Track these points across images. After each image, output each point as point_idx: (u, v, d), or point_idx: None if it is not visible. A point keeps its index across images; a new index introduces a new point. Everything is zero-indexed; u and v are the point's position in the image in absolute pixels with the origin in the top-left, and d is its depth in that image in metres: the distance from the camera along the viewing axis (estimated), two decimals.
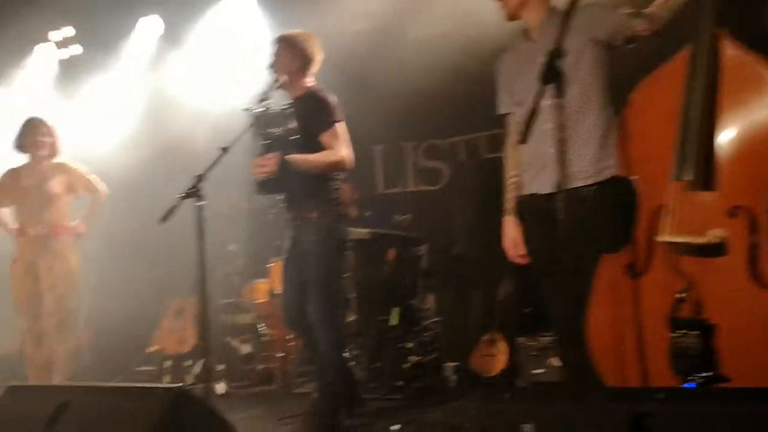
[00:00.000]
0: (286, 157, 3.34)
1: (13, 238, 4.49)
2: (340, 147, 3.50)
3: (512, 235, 2.89)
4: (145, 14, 6.46)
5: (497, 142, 5.47)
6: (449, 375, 4.78)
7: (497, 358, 4.55)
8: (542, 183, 2.76)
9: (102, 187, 4.67)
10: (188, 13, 6.22)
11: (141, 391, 2.19)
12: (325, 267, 3.55)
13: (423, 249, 5.71)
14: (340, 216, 3.64)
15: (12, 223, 4.50)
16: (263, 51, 5.63)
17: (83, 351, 6.61)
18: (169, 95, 6.32)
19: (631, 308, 2.45)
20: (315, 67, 3.66)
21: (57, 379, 4.41)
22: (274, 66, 3.59)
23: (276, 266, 5.71)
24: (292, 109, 3.51)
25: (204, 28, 6.24)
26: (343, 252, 3.72)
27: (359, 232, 4.88)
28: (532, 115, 2.23)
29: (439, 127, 5.80)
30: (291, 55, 3.58)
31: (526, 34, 2.89)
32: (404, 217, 5.85)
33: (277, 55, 3.61)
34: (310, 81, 3.67)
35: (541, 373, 4.39)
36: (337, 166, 3.55)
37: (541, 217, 2.76)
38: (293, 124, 3.44)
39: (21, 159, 4.58)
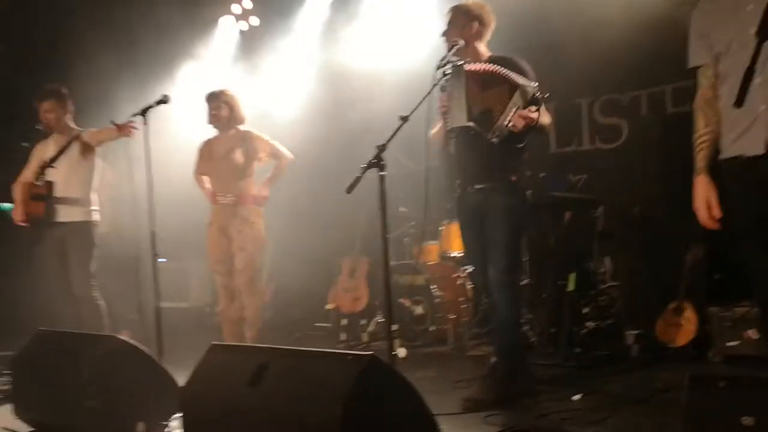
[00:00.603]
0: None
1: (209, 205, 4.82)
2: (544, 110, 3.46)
3: (705, 196, 2.64)
4: None
5: (684, 95, 5.06)
6: (630, 343, 4.55)
7: (685, 327, 4.27)
8: (749, 144, 2.49)
9: (286, 152, 4.87)
10: None
11: (336, 356, 2.27)
12: (515, 229, 3.57)
13: (599, 211, 5.45)
14: (528, 179, 3.65)
15: (209, 188, 4.82)
16: (436, 15, 5.64)
17: (266, 306, 7.09)
18: (344, 62, 6.42)
19: None
20: (489, 34, 3.63)
21: (248, 331, 4.74)
22: (449, 33, 3.58)
23: (447, 228, 5.73)
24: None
25: None
26: (527, 215, 3.70)
27: (533, 194, 4.74)
28: (749, 73, 1.99)
29: (617, 81, 5.45)
30: (465, 22, 3.58)
31: None
32: (579, 177, 5.61)
33: (452, 22, 3.60)
34: (485, 49, 3.65)
35: (735, 345, 4.07)
36: (546, 128, 3.56)
37: (747, 180, 2.50)
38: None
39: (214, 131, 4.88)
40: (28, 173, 4.83)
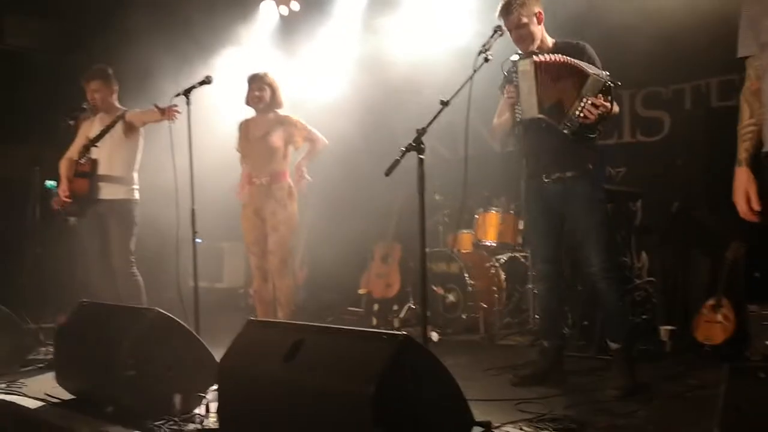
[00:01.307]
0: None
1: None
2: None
3: (745, 188, 2.58)
4: None
5: (729, 89, 4.96)
6: (665, 339, 4.49)
7: (722, 325, 4.21)
8: None
9: (321, 137, 4.90)
10: None
11: (371, 335, 2.29)
12: (603, 217, 3.56)
13: (638, 205, 5.39)
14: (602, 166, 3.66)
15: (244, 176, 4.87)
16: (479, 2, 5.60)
17: (299, 288, 7.17)
18: (382, 49, 6.41)
19: None
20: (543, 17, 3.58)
21: (281, 312, 4.79)
22: (508, 22, 3.52)
23: (482, 217, 5.72)
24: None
25: None
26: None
27: None
28: None
29: (660, 73, 5.36)
30: (531, 12, 3.51)
31: None
32: (619, 170, 5.55)
33: (519, 21, 3.51)
34: (546, 35, 3.61)
35: None
36: (614, 117, 3.56)
37: None
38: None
39: (251, 112, 4.92)
40: (73, 150, 4.95)
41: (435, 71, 5.38)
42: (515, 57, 3.51)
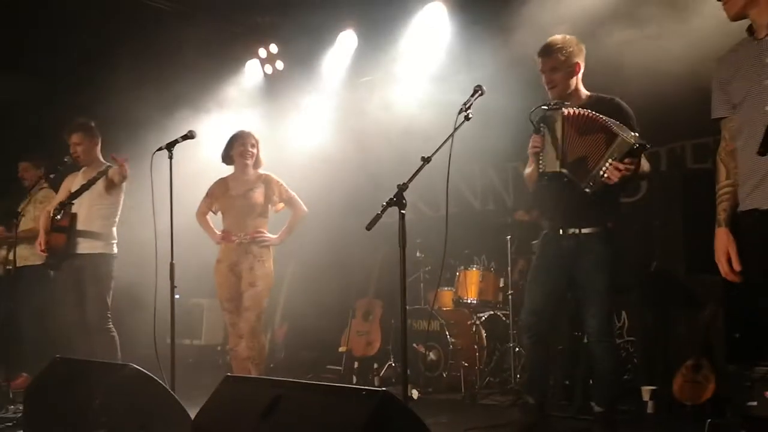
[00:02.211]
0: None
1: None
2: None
3: (725, 248, 2.63)
4: (343, 30, 6.73)
5: (704, 151, 5.08)
6: (647, 399, 4.47)
7: (703, 385, 4.20)
8: (763, 196, 2.49)
9: (301, 204, 4.91)
10: (382, 27, 6.39)
11: (350, 392, 2.25)
12: (612, 278, 3.46)
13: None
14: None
15: (216, 230, 4.83)
16: (458, 62, 5.74)
17: (279, 346, 7.07)
18: (365, 108, 6.53)
19: None
20: (581, 69, 3.57)
21: (254, 371, 4.71)
22: (549, 79, 3.54)
23: (463, 275, 5.73)
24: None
25: (398, 40, 6.38)
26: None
27: None
28: None
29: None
30: (561, 62, 3.49)
31: (751, 31, 2.64)
32: None
33: (556, 65, 3.52)
34: (582, 87, 3.59)
35: (755, 406, 3.98)
36: (645, 175, 3.50)
37: (763, 233, 2.50)
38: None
39: (227, 169, 4.93)
40: (53, 203, 4.94)
41: (418, 128, 5.47)
42: (545, 107, 3.48)
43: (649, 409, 4.42)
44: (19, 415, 3.97)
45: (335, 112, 6.91)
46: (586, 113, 3.35)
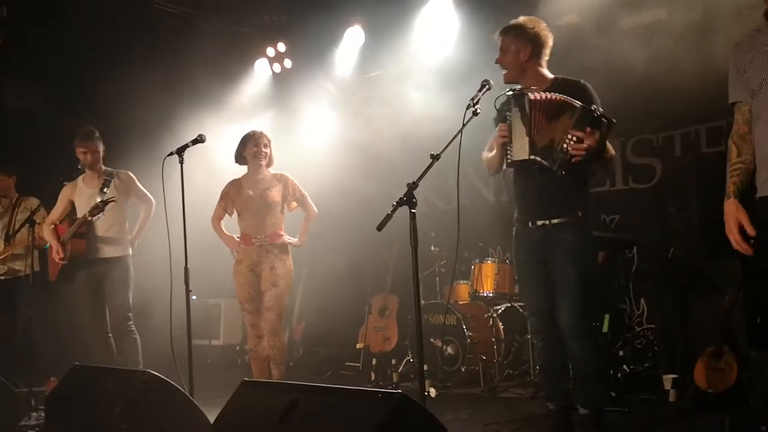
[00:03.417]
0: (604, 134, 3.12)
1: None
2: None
3: (735, 218, 2.57)
4: (350, 26, 6.70)
5: (718, 135, 5.02)
6: (668, 388, 4.43)
7: (725, 372, 4.15)
8: None
9: (313, 208, 4.90)
10: (389, 21, 6.35)
11: (366, 395, 2.25)
12: (582, 271, 3.31)
13: (633, 251, 5.40)
14: (592, 213, 3.44)
15: (229, 234, 4.83)
16: (464, 55, 5.69)
17: (296, 344, 7.10)
18: (377, 104, 6.50)
19: None
20: (547, 52, 3.44)
21: (275, 371, 4.72)
22: (501, 60, 3.44)
23: (478, 268, 5.70)
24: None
25: (405, 35, 6.33)
26: (596, 253, 3.46)
27: None
28: None
29: (650, 121, 5.43)
30: (519, 46, 3.38)
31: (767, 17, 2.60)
32: (612, 217, 5.57)
33: (504, 47, 3.42)
34: (545, 69, 3.46)
35: None
36: (612, 158, 3.37)
37: None
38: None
39: (240, 170, 4.93)
40: (54, 215, 5.03)
41: (428, 123, 5.44)
42: (510, 92, 3.36)
43: (671, 398, 4.37)
44: (41, 422, 4.00)
45: (344, 108, 6.89)
46: (553, 96, 3.24)
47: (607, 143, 3.29)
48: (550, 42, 3.46)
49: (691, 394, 4.27)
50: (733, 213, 2.59)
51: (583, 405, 3.39)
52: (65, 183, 5.18)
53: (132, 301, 4.93)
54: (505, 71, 3.46)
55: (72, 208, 5.05)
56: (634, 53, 4.93)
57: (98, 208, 4.73)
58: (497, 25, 3.53)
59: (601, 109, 3.20)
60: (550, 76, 3.46)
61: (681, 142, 5.35)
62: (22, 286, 5.53)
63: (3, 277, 5.69)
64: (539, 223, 3.39)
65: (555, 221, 3.35)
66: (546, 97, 3.26)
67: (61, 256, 4.82)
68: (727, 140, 2.74)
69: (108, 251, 4.89)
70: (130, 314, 4.87)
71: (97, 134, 5.01)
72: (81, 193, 4.98)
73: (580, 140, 3.13)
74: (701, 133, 5.21)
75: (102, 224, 4.87)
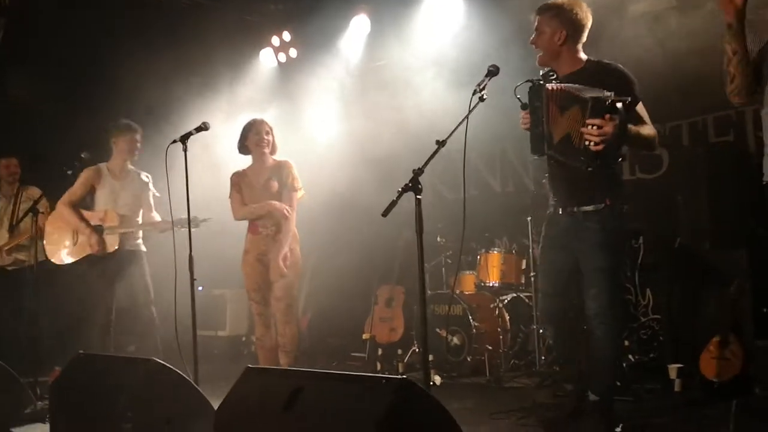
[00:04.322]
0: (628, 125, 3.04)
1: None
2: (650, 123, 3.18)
3: None
4: (355, 14, 6.67)
5: (726, 125, 4.98)
6: (673, 378, 4.41)
7: (731, 362, 4.12)
8: None
9: (292, 202, 4.70)
10: (395, 10, 6.32)
11: (370, 381, 2.23)
12: (613, 258, 3.27)
13: (640, 241, 5.36)
14: (626, 203, 3.31)
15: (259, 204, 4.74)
16: (472, 41, 5.65)
17: (303, 334, 7.10)
18: (383, 92, 6.47)
19: None
20: (584, 35, 3.34)
21: (285, 359, 4.71)
22: (536, 41, 3.35)
23: (484, 258, 5.69)
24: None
25: (411, 23, 6.30)
26: (629, 242, 3.37)
27: None
28: None
29: (657, 110, 5.35)
30: (555, 28, 3.28)
31: None
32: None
33: (539, 29, 3.33)
34: (581, 52, 3.36)
35: None
36: (655, 141, 3.24)
37: None
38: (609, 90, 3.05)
39: (245, 160, 4.90)
40: (74, 197, 5.02)
41: (434, 110, 5.41)
42: (530, 81, 3.31)
43: (677, 387, 4.36)
44: (46, 411, 4.01)
45: (350, 97, 6.86)
46: (565, 87, 3.17)
47: (637, 127, 3.17)
48: (588, 24, 3.35)
49: (697, 383, 4.26)
50: None
51: (594, 391, 3.39)
52: (69, 172, 5.17)
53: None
54: (539, 53, 3.39)
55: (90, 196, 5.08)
56: (642, 41, 4.88)
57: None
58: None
59: (610, 93, 3.04)
60: (584, 58, 3.36)
61: (689, 132, 5.31)
62: (27, 276, 5.53)
63: (10, 268, 5.71)
64: (568, 210, 3.37)
65: (583, 209, 3.30)
66: (561, 88, 3.20)
67: (97, 248, 4.86)
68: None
69: (134, 244, 5.02)
70: (152, 297, 4.98)
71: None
72: (105, 184, 5.01)
73: (599, 127, 3.01)
74: (709, 123, 5.17)
75: (124, 217, 4.97)
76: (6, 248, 5.68)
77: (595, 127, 3.01)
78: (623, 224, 3.33)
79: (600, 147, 3.02)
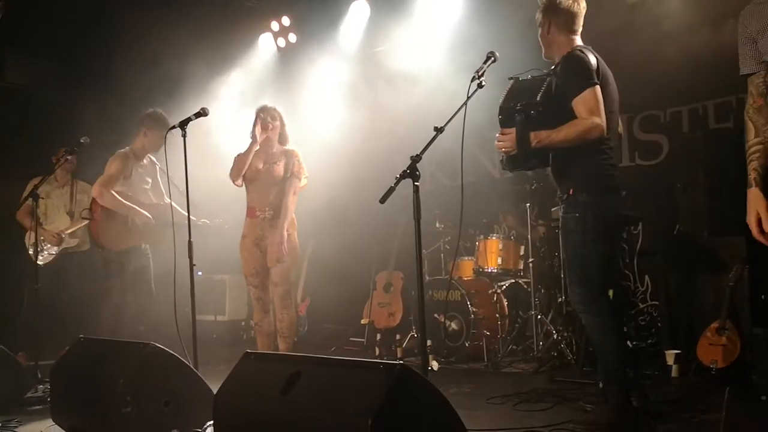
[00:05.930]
0: (532, 133, 3.20)
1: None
2: (591, 113, 3.16)
3: (755, 209, 2.52)
4: (355, 0, 6.63)
5: (725, 111, 4.96)
6: (671, 363, 4.44)
7: (728, 348, 4.15)
8: None
9: (291, 193, 4.71)
10: None
11: (368, 366, 2.25)
12: (578, 247, 3.28)
13: (639, 228, 5.38)
14: (602, 191, 3.30)
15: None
16: (472, 28, 5.63)
17: (301, 320, 7.13)
18: (379, 79, 6.45)
19: None
20: (577, 22, 3.40)
21: (283, 344, 4.73)
22: (541, 35, 3.44)
23: (483, 244, 5.69)
24: (546, 78, 3.29)
25: (411, 8, 6.27)
26: (608, 231, 3.30)
27: None
28: None
29: (657, 97, 5.37)
30: (543, 21, 3.40)
31: None
32: None
33: (538, 24, 3.43)
34: (575, 40, 3.41)
35: None
36: (587, 135, 3.19)
37: None
38: (539, 95, 3.21)
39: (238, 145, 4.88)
40: (115, 182, 4.91)
41: (434, 96, 5.39)
42: (511, 79, 3.45)
43: (674, 373, 4.39)
44: (47, 394, 4.04)
45: (350, 83, 6.83)
46: (507, 94, 3.37)
47: (551, 132, 3.21)
48: (578, 11, 3.39)
49: (694, 369, 4.29)
50: (753, 204, 2.48)
51: (599, 378, 3.43)
52: (68, 156, 5.15)
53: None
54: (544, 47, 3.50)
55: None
56: (641, 28, 4.86)
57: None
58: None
59: (585, 84, 3.16)
60: (571, 46, 3.38)
61: (689, 118, 5.30)
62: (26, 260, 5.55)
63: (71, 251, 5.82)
64: (557, 198, 3.56)
65: (563, 197, 3.43)
66: (506, 96, 3.37)
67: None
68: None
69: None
70: None
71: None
72: (135, 170, 4.98)
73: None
74: (709, 109, 5.15)
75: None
76: (70, 232, 5.76)
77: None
78: (587, 212, 3.27)
79: (505, 150, 3.32)
